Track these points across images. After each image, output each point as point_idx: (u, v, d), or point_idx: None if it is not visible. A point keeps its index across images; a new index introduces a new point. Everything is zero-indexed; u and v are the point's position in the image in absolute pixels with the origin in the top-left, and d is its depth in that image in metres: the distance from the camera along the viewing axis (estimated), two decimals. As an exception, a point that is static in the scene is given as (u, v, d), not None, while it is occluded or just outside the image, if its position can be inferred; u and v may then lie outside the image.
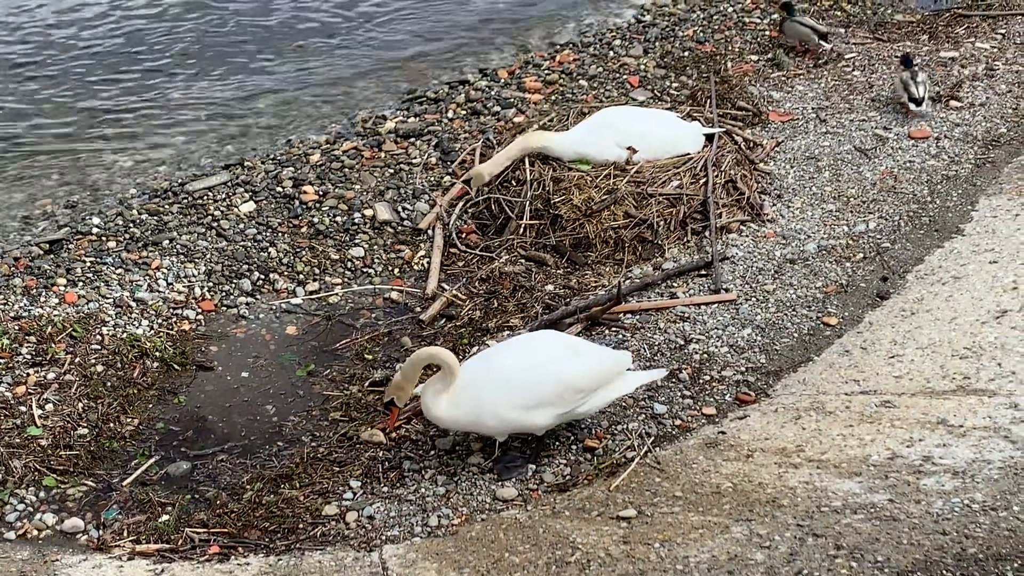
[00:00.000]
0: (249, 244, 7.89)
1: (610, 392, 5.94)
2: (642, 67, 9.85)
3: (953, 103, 9.11)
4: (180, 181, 8.79)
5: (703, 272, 7.45)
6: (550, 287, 7.40)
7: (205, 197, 8.41)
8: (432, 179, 8.49)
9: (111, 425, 6.46)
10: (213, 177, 8.71)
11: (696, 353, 6.76)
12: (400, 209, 8.25)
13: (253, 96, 10.35)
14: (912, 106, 8.87)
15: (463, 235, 8.00)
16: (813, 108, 9.18)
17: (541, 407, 5.80)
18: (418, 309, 7.40)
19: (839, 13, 10.77)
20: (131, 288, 7.43)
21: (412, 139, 8.98)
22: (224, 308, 7.44)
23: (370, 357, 6.99)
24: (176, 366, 6.93)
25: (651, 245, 7.70)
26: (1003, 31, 10.26)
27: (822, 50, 9.90)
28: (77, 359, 6.81)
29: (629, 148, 7.96)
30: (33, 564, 5.54)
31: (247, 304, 7.48)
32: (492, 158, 8.10)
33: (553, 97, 9.46)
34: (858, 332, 6.86)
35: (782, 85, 9.57)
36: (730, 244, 7.69)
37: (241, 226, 8.05)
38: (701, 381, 6.56)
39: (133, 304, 7.31)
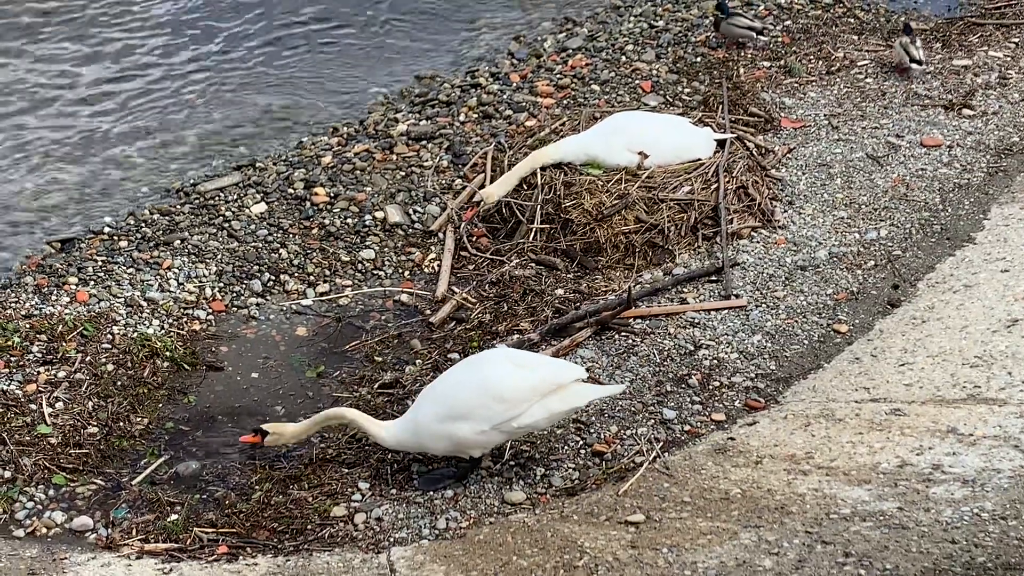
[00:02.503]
0: (260, 245, 7.90)
1: (557, 403, 5.73)
2: (654, 72, 9.85)
3: (966, 111, 9.09)
4: (192, 181, 8.82)
5: (714, 278, 7.45)
6: (560, 291, 7.40)
7: (217, 198, 8.43)
8: (443, 182, 8.50)
9: (121, 424, 6.48)
10: (225, 178, 8.73)
11: (706, 359, 6.76)
12: (411, 212, 8.25)
13: (265, 97, 10.36)
14: (914, 66, 9.44)
15: (474, 238, 8.01)
16: (825, 115, 9.17)
17: (465, 419, 5.70)
18: (428, 312, 7.41)
19: (852, 20, 10.76)
20: (142, 288, 7.45)
21: (423, 142, 8.99)
22: (235, 308, 7.46)
23: (380, 359, 7.00)
24: (186, 366, 6.95)
25: (662, 250, 7.69)
26: (1016, 40, 10.24)
27: (759, 44, 10.08)
28: (88, 358, 6.82)
29: (640, 153, 7.96)
30: (42, 562, 5.55)
31: (257, 305, 7.49)
32: (501, 177, 8.04)
33: (565, 101, 9.46)
34: (868, 340, 6.85)
35: (794, 91, 9.57)
36: (741, 250, 7.68)
37: (252, 227, 8.07)
38: (711, 387, 6.56)
39: (144, 304, 7.33)
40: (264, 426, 6.09)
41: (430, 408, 5.80)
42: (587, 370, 6.64)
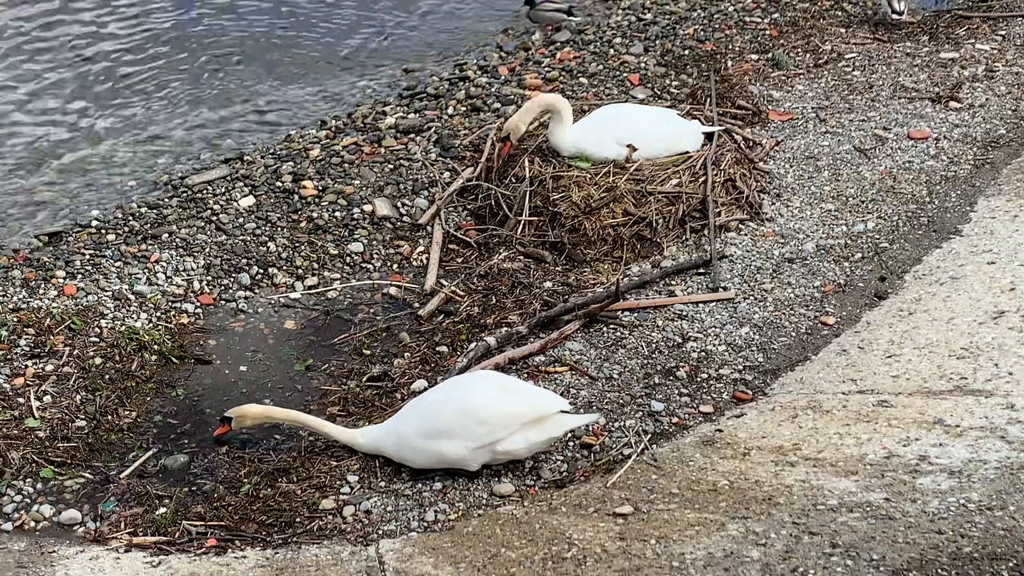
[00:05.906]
0: (248, 238, 7.89)
1: (536, 434, 5.80)
2: (642, 65, 9.86)
3: (953, 104, 9.12)
4: (180, 175, 8.80)
5: (701, 270, 7.46)
6: (548, 284, 7.41)
7: (204, 191, 8.41)
8: (432, 175, 8.50)
9: (109, 417, 6.46)
10: (212, 171, 8.72)
11: (694, 351, 6.77)
12: (399, 205, 8.25)
13: (253, 90, 10.35)
14: (894, 16, 10.22)
15: (462, 231, 8.01)
16: (813, 108, 9.19)
17: (447, 437, 5.77)
18: (416, 305, 7.41)
19: (839, 13, 10.78)
20: (130, 281, 7.44)
21: (412, 135, 8.99)
22: (223, 302, 7.45)
23: (368, 352, 7.00)
24: (174, 359, 6.93)
25: (650, 243, 7.70)
26: (1003, 33, 10.27)
27: (569, 24, 10.63)
28: (75, 351, 6.81)
29: (629, 146, 7.97)
30: (30, 555, 5.55)
31: (246, 298, 7.48)
32: (518, 112, 8.08)
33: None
34: (856, 332, 6.87)
35: (782, 84, 9.58)
36: (729, 243, 7.69)
37: (240, 220, 8.06)
38: (699, 379, 6.57)
39: (132, 297, 7.31)
40: (228, 412, 6.20)
41: (413, 424, 5.87)
42: (575, 363, 6.67)
